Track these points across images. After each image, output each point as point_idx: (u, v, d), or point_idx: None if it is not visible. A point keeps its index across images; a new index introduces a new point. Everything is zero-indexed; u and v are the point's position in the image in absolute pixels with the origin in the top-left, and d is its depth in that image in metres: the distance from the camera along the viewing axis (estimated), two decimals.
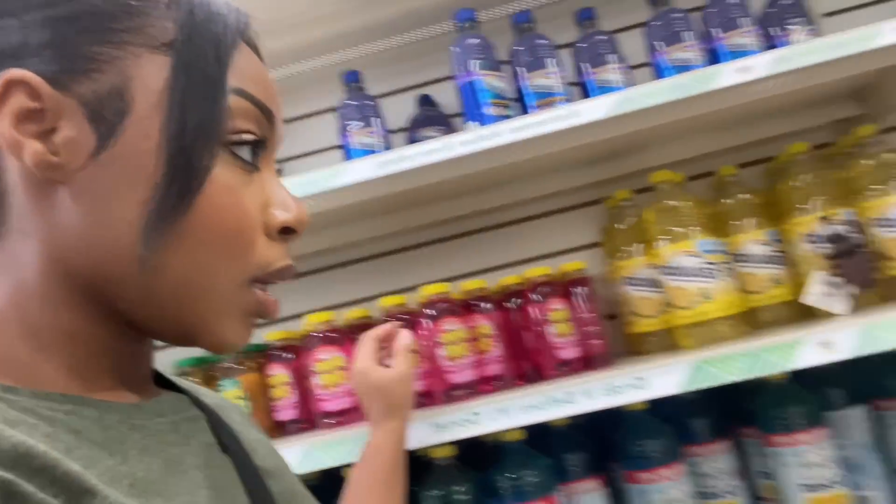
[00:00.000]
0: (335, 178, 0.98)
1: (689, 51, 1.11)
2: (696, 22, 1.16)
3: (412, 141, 1.27)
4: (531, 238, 1.35)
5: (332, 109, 1.36)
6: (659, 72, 1.14)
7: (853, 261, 1.03)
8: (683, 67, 1.09)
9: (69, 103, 0.38)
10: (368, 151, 1.17)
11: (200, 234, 0.39)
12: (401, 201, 1.22)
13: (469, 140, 0.95)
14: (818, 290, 1.03)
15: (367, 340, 0.86)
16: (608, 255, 1.23)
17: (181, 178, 0.38)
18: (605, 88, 1.11)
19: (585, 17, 1.19)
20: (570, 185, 1.31)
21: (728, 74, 0.90)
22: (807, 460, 0.96)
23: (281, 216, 0.44)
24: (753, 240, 1.13)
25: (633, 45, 1.25)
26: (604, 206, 1.28)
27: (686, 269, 1.03)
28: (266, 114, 0.43)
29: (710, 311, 1.02)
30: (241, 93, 0.41)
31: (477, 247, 1.36)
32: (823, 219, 1.06)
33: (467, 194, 1.32)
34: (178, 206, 0.38)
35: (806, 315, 1.05)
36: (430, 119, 1.29)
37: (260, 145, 0.43)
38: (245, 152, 0.42)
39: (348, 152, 1.19)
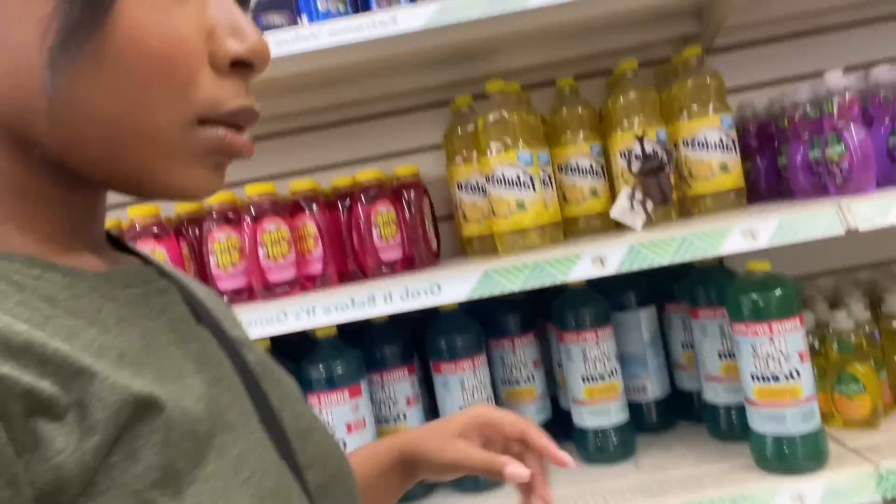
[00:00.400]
0: None
1: None
2: None
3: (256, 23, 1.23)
4: (381, 136, 1.37)
5: None
6: None
7: (656, 179, 1.12)
8: None
9: None
10: None
11: (121, 61, 0.34)
12: None
13: (286, 40, 0.94)
14: (623, 204, 1.12)
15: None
16: (449, 158, 1.27)
17: None
18: None
19: None
20: (420, 84, 1.32)
21: None
22: (589, 355, 1.09)
23: (231, 46, 0.37)
24: (578, 153, 1.19)
25: None
26: (449, 109, 1.31)
27: (506, 179, 1.09)
28: None
29: (524, 220, 1.09)
30: None
31: (331, 142, 1.37)
32: (638, 137, 1.13)
33: (321, 88, 1.31)
34: (87, 21, 0.32)
35: (619, 226, 1.15)
36: (275, 3, 1.24)
37: None
38: None
39: None
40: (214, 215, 1.07)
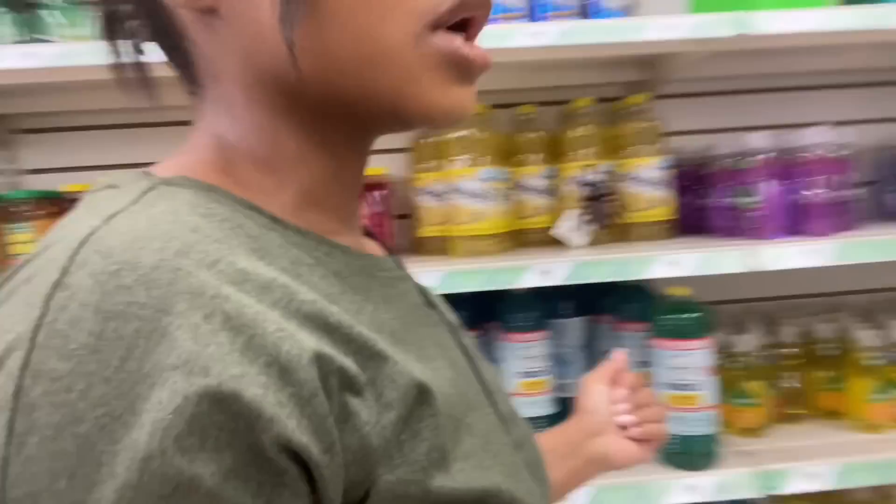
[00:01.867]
0: None
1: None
2: None
3: None
4: None
5: None
6: None
7: (598, 204, 1.26)
8: (502, 8, 1.21)
9: None
10: None
11: None
12: None
13: None
14: (566, 224, 1.25)
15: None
16: (414, 162, 1.38)
17: None
18: None
19: None
20: None
21: (522, 37, 1.03)
22: (526, 354, 1.22)
23: None
24: (532, 173, 1.33)
25: None
26: None
27: (467, 190, 1.21)
28: None
29: (479, 229, 1.21)
30: None
31: None
32: (587, 166, 1.27)
33: None
34: None
35: (561, 243, 1.28)
36: None
37: None
38: None
39: None
40: None
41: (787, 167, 1.23)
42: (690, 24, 1.05)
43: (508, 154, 1.35)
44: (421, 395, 0.35)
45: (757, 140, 1.17)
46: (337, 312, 0.32)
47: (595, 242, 1.26)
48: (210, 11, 0.37)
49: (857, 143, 1.35)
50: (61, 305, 0.27)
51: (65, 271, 0.28)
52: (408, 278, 0.47)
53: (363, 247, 0.46)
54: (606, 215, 1.27)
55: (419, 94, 0.38)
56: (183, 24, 0.39)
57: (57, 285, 0.27)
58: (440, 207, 1.31)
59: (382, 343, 0.34)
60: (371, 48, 0.36)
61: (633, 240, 1.30)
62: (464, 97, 0.40)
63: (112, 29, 0.41)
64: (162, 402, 0.26)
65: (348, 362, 0.31)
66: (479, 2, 0.39)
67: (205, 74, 0.40)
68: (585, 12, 1.27)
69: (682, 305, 1.12)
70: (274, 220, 0.37)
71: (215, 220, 0.33)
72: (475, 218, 1.21)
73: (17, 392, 0.26)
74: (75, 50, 1.02)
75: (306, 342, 0.29)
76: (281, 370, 0.28)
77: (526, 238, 1.34)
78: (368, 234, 0.52)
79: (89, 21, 1.26)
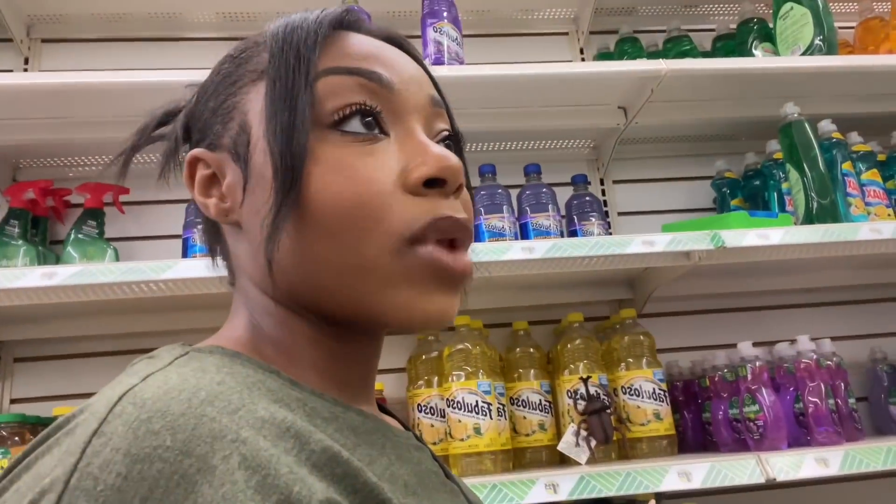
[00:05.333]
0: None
1: (503, 221, 1.34)
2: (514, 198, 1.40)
3: None
4: None
5: None
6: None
7: (599, 418, 1.24)
8: (496, 234, 1.32)
9: (223, 157, 0.45)
10: None
11: (323, 216, 0.40)
12: None
13: None
14: (569, 440, 1.22)
15: None
16: (411, 381, 1.37)
17: (283, 173, 0.40)
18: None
19: None
20: None
21: (516, 251, 1.11)
22: None
23: (416, 171, 0.42)
24: (529, 388, 1.32)
25: None
26: (416, 337, 1.44)
27: (465, 404, 1.19)
28: (373, 79, 0.43)
29: (479, 444, 1.17)
30: (334, 70, 0.43)
31: None
32: (583, 380, 1.28)
33: None
34: (287, 198, 0.40)
35: (563, 460, 1.23)
36: None
37: (371, 113, 0.43)
38: (356, 125, 0.42)
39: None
40: None
41: (783, 378, 1.24)
42: (668, 239, 1.14)
43: (504, 371, 1.36)
44: None
45: (747, 349, 1.20)
46: (347, 461, 0.34)
47: (599, 459, 1.21)
48: (235, 224, 0.45)
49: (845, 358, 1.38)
50: (96, 451, 0.29)
51: (103, 420, 0.31)
52: (425, 450, 0.49)
53: (380, 417, 0.48)
54: (606, 430, 1.24)
55: (399, 301, 0.41)
56: (223, 232, 0.49)
57: (95, 433, 0.30)
58: (438, 425, 1.28)
59: (392, 493, 0.36)
60: (353, 261, 0.41)
61: (638, 457, 1.26)
62: (446, 304, 0.43)
63: (210, 240, 0.52)
64: None
65: None
66: (454, 225, 0.43)
67: (234, 272, 0.49)
68: (570, 236, 1.39)
69: None
70: (293, 381, 0.40)
71: (239, 377, 0.37)
72: (473, 433, 1.18)
73: None
74: (90, 270, 1.07)
75: (316, 487, 0.31)
76: None
77: (524, 458, 1.29)
78: (386, 412, 0.56)
79: (99, 253, 1.35)
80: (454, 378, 1.23)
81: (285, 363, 0.44)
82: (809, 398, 1.18)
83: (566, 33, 1.78)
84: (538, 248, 1.12)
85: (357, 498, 0.34)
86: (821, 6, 1.43)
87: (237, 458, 0.30)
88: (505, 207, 1.36)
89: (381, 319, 0.42)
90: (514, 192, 1.42)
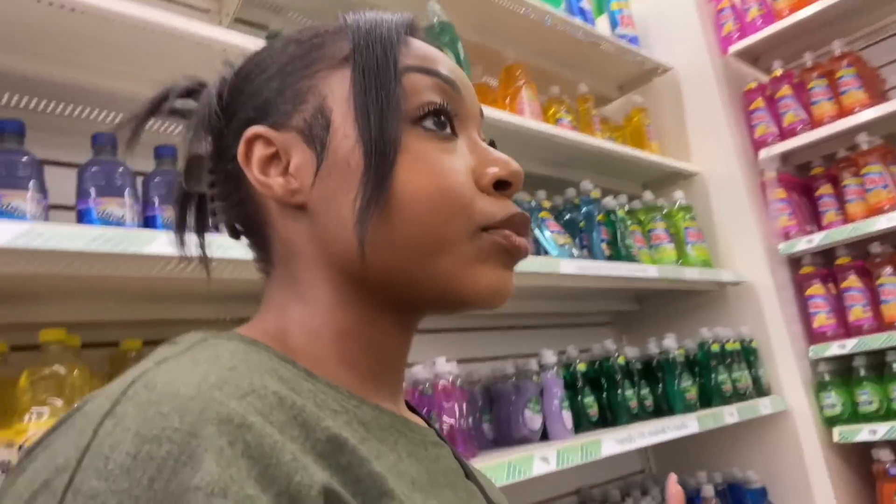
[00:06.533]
0: None
1: (124, 208, 1.03)
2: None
3: None
4: None
5: None
6: (83, 218, 1.01)
7: None
8: (115, 223, 1.00)
9: (291, 137, 0.46)
10: None
11: (411, 203, 0.44)
12: None
13: None
14: None
15: None
16: None
17: (377, 161, 0.43)
18: (11, 215, 0.92)
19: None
20: None
21: (163, 244, 0.85)
22: None
23: (490, 171, 0.47)
24: None
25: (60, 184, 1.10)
26: None
27: None
28: (448, 82, 0.47)
29: None
30: (415, 68, 0.46)
31: None
32: None
33: None
34: (376, 188, 0.43)
35: None
36: None
37: (447, 114, 0.47)
38: (433, 123, 0.46)
39: None
40: None
41: (418, 400, 1.25)
42: None
43: None
44: None
45: None
46: (353, 450, 0.36)
47: None
48: (300, 207, 0.46)
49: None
50: (108, 432, 0.31)
51: (116, 402, 0.32)
52: (445, 447, 0.49)
53: (401, 412, 0.49)
54: None
55: (469, 279, 0.46)
56: (269, 213, 0.47)
57: (107, 415, 0.32)
58: None
59: (395, 484, 0.37)
60: (434, 242, 0.45)
61: None
62: (510, 279, 0.48)
63: (187, 211, 0.52)
64: None
65: (348, 496, 0.34)
66: (525, 221, 0.48)
67: (279, 256, 0.48)
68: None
69: None
70: (308, 372, 0.42)
71: (252, 364, 0.38)
72: None
73: None
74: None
75: (317, 476, 0.33)
76: (291, 499, 0.31)
77: None
78: (414, 411, 0.55)
79: None
80: (34, 416, 0.87)
81: (315, 355, 0.45)
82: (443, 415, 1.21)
83: (208, 10, 1.55)
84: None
85: (360, 487, 0.35)
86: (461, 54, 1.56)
87: (241, 444, 0.31)
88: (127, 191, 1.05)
89: (455, 295, 0.46)
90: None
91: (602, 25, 2.20)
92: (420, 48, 0.48)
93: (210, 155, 0.49)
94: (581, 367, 1.64)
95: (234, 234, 0.52)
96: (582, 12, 2.04)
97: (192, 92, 0.51)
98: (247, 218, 0.49)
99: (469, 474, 0.50)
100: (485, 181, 0.47)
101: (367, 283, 0.45)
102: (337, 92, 0.45)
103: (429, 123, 0.46)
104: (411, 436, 0.45)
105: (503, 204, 0.47)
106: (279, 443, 0.32)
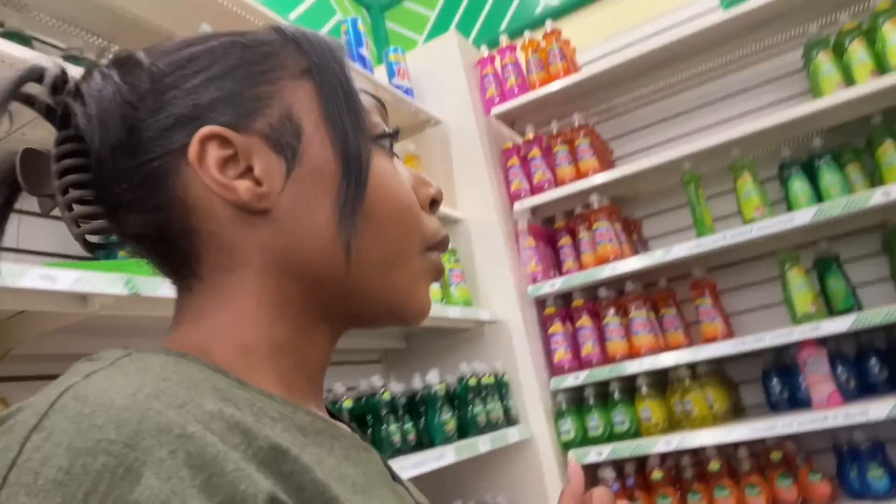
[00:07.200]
0: None
1: None
2: None
3: None
4: None
5: None
6: None
7: None
8: None
9: (254, 141, 0.45)
10: None
11: (381, 214, 0.46)
12: None
13: None
14: None
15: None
16: None
17: (355, 171, 0.45)
18: None
19: None
20: None
21: None
22: None
23: (428, 191, 0.51)
24: None
25: None
26: None
27: None
28: (384, 107, 0.52)
29: None
30: (365, 92, 0.49)
31: None
32: None
33: None
34: (358, 194, 0.45)
35: None
36: None
37: (396, 134, 0.50)
38: (386, 141, 0.49)
39: None
40: None
41: None
42: (75, 277, 0.94)
43: None
44: None
45: None
46: (295, 458, 0.36)
47: None
48: (261, 213, 0.45)
49: None
50: (36, 446, 0.29)
51: (43, 416, 0.31)
52: (373, 451, 0.49)
53: (328, 419, 0.48)
54: None
55: (417, 296, 0.49)
56: (206, 219, 0.44)
57: (34, 429, 0.30)
58: None
59: (339, 490, 0.37)
60: (396, 254, 0.47)
61: None
62: (429, 299, 0.51)
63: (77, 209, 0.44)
64: None
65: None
66: (446, 244, 0.52)
67: (213, 266, 0.45)
68: None
69: None
70: (241, 382, 0.41)
71: (184, 375, 0.37)
72: None
73: None
74: None
75: (262, 484, 0.32)
76: None
77: None
78: (332, 415, 0.54)
79: None
80: None
81: (246, 365, 0.43)
82: None
83: None
84: None
85: (304, 495, 0.35)
86: None
87: (183, 454, 0.30)
88: None
89: (400, 309, 0.49)
90: None
91: (380, 74, 2.31)
92: (355, 71, 0.50)
93: (111, 152, 0.42)
94: (347, 403, 1.66)
95: (102, 246, 0.47)
96: (362, 59, 2.13)
97: (47, 78, 0.43)
98: (164, 225, 0.44)
99: (395, 477, 0.50)
100: (424, 199, 0.50)
101: (323, 292, 0.46)
102: (304, 103, 0.46)
103: (385, 141, 0.49)
104: (343, 440, 0.45)
105: (439, 224, 0.51)
106: (222, 451, 0.32)
